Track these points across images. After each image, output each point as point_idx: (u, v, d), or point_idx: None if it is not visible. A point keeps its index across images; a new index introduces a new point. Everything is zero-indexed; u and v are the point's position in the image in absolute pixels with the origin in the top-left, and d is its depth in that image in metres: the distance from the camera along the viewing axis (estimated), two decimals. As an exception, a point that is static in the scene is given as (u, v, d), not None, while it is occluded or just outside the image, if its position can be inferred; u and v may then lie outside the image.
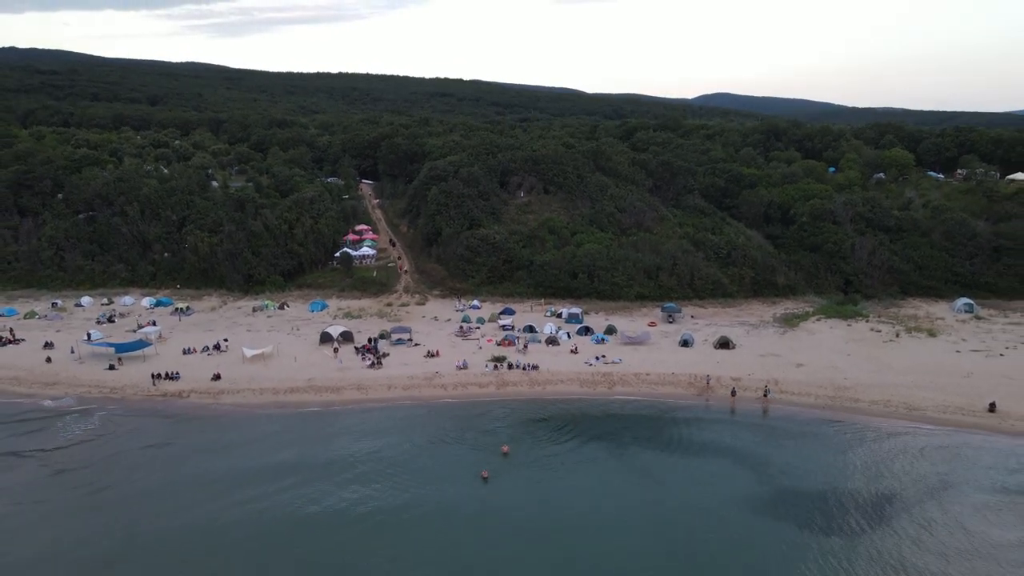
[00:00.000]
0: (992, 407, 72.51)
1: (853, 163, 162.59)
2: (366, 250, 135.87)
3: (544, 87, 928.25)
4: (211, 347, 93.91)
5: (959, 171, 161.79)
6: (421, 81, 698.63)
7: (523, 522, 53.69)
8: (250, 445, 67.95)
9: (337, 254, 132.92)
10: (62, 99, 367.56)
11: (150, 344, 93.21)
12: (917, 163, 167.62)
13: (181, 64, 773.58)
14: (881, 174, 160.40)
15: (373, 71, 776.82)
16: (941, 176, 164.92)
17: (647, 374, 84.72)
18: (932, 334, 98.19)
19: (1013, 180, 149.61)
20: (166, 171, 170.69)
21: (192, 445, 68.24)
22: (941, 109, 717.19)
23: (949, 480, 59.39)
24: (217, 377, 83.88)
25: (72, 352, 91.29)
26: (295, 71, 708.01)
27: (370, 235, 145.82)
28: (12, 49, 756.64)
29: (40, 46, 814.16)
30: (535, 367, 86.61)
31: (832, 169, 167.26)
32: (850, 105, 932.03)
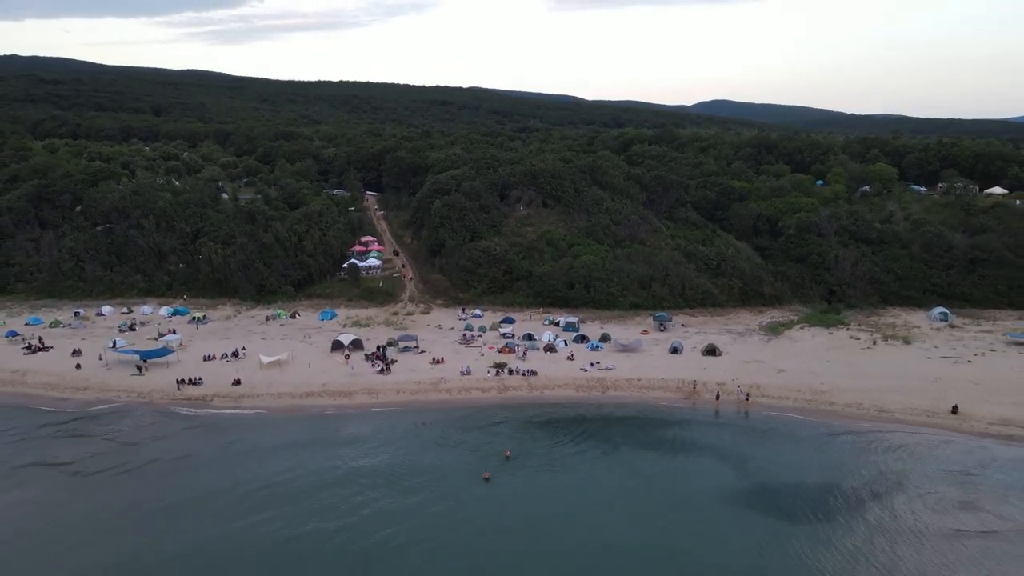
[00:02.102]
0: (955, 409, 78.69)
1: (839, 177, 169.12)
2: (372, 261, 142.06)
3: (544, 94, 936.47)
4: (230, 354, 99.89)
5: (940, 185, 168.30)
6: (421, 89, 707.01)
7: (522, 519, 58.81)
8: (271, 443, 73.90)
9: (345, 265, 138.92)
10: (68, 109, 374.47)
11: (172, 351, 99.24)
12: (901, 177, 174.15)
13: (182, 72, 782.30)
14: (866, 187, 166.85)
15: (373, 78, 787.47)
16: (923, 189, 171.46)
17: (638, 379, 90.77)
18: (907, 341, 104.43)
19: (990, 194, 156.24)
20: (177, 184, 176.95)
21: (220, 440, 74.41)
22: (937, 117, 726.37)
23: (908, 475, 65.58)
24: (237, 382, 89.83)
25: (100, 359, 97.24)
26: (296, 79, 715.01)
27: (376, 246, 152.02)
28: (14, 57, 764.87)
29: (42, 54, 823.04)
30: (534, 373, 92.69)
31: (820, 182, 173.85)
32: (848, 112, 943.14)
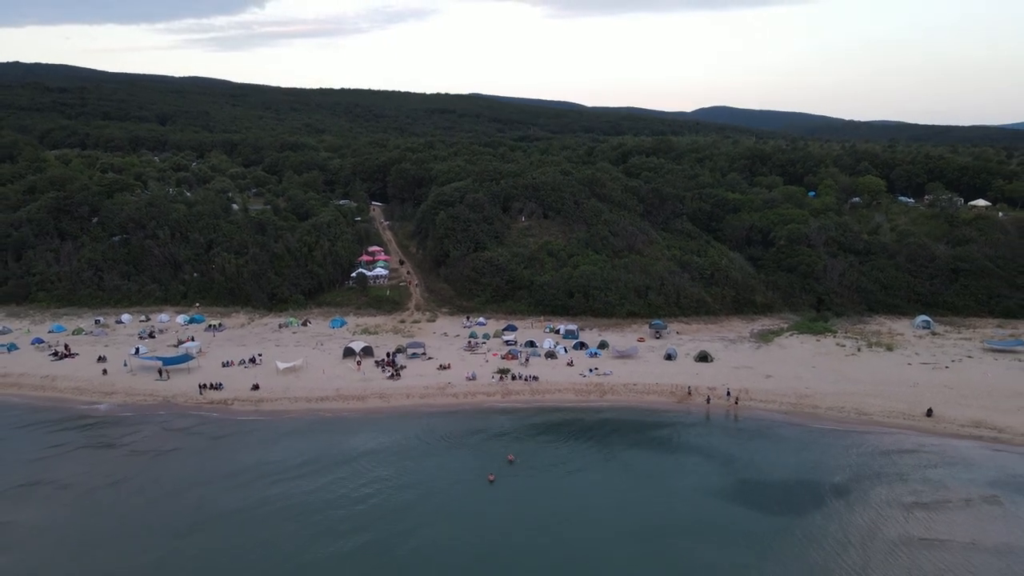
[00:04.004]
0: (929, 412, 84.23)
1: (830, 189, 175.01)
2: (379, 270, 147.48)
3: (544, 101, 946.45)
4: (247, 360, 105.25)
5: (926, 197, 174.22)
6: (422, 97, 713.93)
7: (525, 516, 63.86)
8: (290, 442, 79.44)
9: (353, 274, 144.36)
10: (74, 118, 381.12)
11: (193, 358, 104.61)
12: (890, 188, 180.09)
13: (184, 79, 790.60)
14: (856, 199, 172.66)
15: (374, 85, 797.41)
16: (911, 201, 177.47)
17: (634, 384, 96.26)
18: (890, 348, 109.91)
19: (974, 206, 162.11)
20: (189, 194, 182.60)
21: (244, 436, 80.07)
22: (935, 123, 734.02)
23: (882, 472, 71.20)
24: (256, 387, 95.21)
25: (125, 365, 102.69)
26: (298, 87, 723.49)
27: (382, 256, 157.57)
28: (17, 64, 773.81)
29: (43, 60, 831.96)
30: (536, 378, 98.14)
31: (812, 193, 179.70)
32: (847, 118, 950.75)
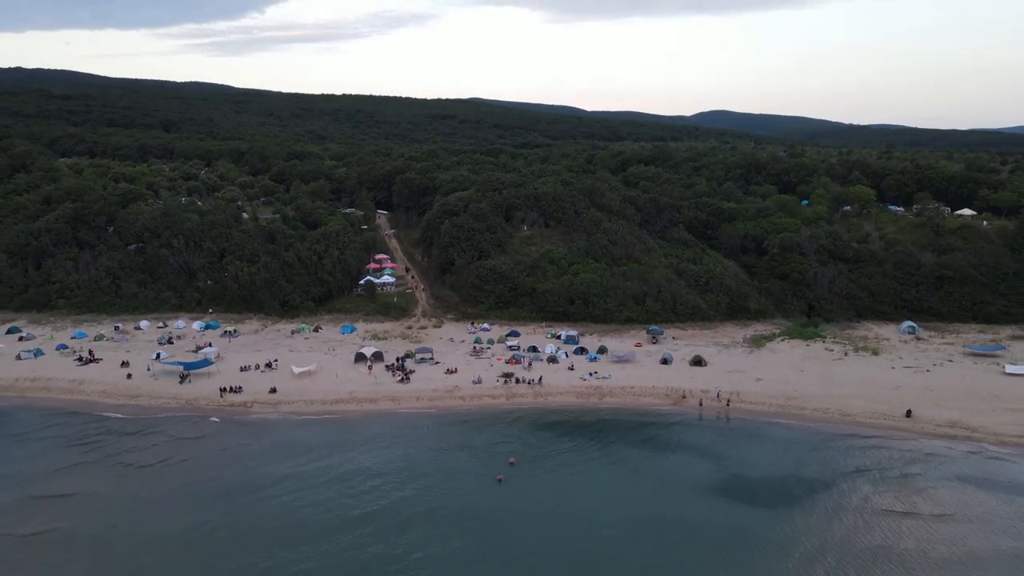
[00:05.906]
0: (908, 413, 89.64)
1: (822, 198, 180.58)
2: (387, 278, 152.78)
3: (544, 105, 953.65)
4: (264, 365, 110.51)
5: (915, 206, 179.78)
6: (423, 103, 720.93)
7: (530, 512, 69.12)
8: (309, 440, 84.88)
9: (361, 282, 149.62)
10: (80, 125, 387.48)
11: (212, 363, 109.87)
12: (880, 197, 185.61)
13: (186, 84, 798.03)
14: (848, 207, 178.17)
15: (375, 90, 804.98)
16: (900, 209, 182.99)
17: (632, 387, 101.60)
18: (875, 353, 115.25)
19: (959, 216, 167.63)
20: (200, 204, 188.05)
21: (265, 432, 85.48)
22: (935, 127, 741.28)
23: (862, 468, 76.73)
24: (273, 391, 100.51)
25: (148, 370, 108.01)
26: (300, 92, 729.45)
27: (389, 264, 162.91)
28: (19, 69, 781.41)
29: (44, 66, 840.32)
30: (539, 381, 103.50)
31: (805, 202, 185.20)
32: (846, 122, 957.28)
